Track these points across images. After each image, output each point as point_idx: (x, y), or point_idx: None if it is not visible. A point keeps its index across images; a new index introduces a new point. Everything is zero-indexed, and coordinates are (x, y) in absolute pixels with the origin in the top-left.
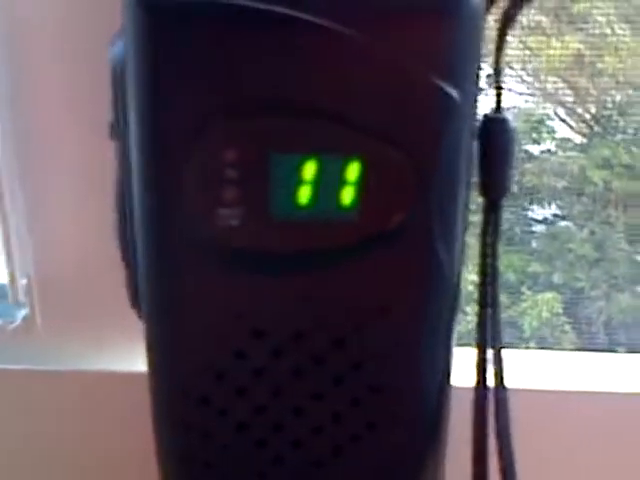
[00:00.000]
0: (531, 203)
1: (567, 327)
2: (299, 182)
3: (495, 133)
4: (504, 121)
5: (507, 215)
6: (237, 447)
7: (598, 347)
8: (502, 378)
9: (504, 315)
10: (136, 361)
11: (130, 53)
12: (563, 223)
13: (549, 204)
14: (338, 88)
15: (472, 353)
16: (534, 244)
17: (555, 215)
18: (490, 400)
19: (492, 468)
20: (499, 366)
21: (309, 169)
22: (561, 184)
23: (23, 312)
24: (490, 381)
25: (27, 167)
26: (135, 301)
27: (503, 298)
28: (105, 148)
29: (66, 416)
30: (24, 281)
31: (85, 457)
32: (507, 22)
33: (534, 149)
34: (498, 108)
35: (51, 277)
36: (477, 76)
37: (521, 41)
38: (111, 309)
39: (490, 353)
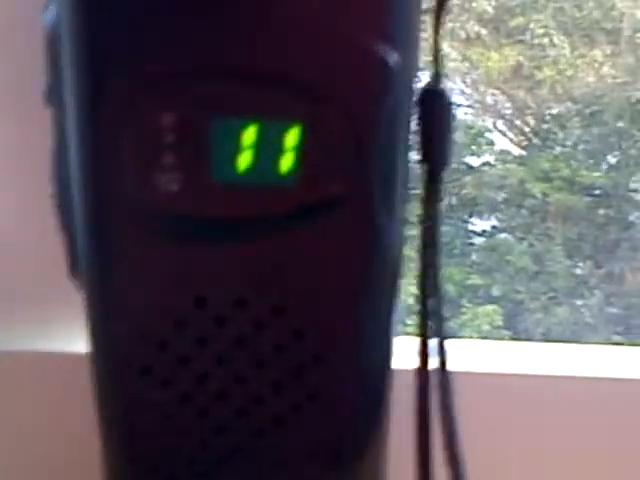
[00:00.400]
0: (471, 215)
1: (506, 340)
2: (239, 148)
3: (433, 105)
4: (442, 93)
5: (447, 228)
6: (180, 417)
7: None
8: (444, 363)
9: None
10: (72, 341)
11: (63, 17)
12: (502, 235)
13: (488, 216)
14: (278, 52)
15: (415, 342)
16: (474, 256)
17: (494, 227)
18: (433, 382)
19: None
20: (441, 353)
21: (249, 134)
22: (500, 196)
23: None
24: (433, 366)
25: None
26: (74, 271)
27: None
28: (41, 118)
29: (6, 398)
30: None
31: (27, 439)
32: None
33: (473, 161)
34: (436, 80)
35: None
36: (416, 44)
37: (460, 53)
38: (50, 285)
39: (432, 341)
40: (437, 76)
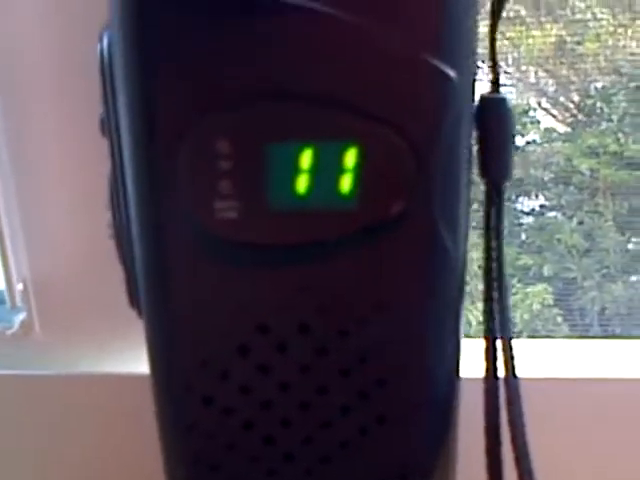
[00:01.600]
0: (518, 195)
1: (559, 319)
2: (296, 171)
3: (493, 114)
4: (502, 101)
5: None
6: (244, 446)
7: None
8: (513, 367)
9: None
10: (138, 363)
11: (117, 44)
12: (551, 214)
13: (536, 195)
14: (332, 72)
15: (481, 344)
16: (523, 236)
17: (542, 206)
18: (501, 390)
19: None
20: (509, 355)
21: (306, 157)
22: (547, 175)
23: (20, 317)
24: (500, 371)
25: (20, 167)
26: (134, 300)
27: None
28: (100, 146)
29: (68, 420)
30: (20, 285)
31: (87, 462)
32: None
33: (518, 141)
34: (495, 88)
35: (48, 280)
36: (474, 55)
37: (500, 32)
38: (111, 310)
39: (499, 343)
40: (496, 83)
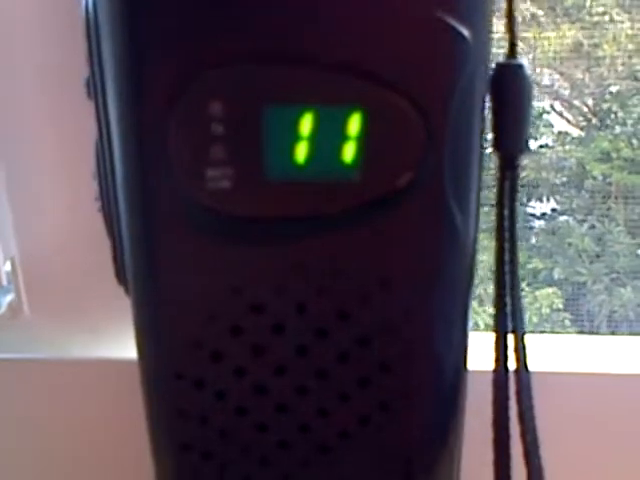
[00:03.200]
0: (529, 199)
1: (568, 322)
2: (296, 138)
3: (509, 81)
4: (519, 67)
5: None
6: (237, 432)
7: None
8: (525, 360)
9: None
10: (133, 346)
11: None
12: (563, 218)
13: (548, 199)
14: (335, 31)
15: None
16: (533, 240)
17: (554, 210)
18: (511, 383)
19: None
20: (521, 347)
21: (306, 123)
22: (560, 179)
23: (8, 298)
24: (511, 365)
25: (4, 141)
26: (121, 276)
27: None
28: (86, 117)
29: (59, 406)
30: (7, 264)
31: (77, 448)
32: None
33: (531, 144)
34: (512, 54)
35: (37, 259)
36: (490, 14)
37: None
38: (105, 289)
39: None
40: (512, 49)
